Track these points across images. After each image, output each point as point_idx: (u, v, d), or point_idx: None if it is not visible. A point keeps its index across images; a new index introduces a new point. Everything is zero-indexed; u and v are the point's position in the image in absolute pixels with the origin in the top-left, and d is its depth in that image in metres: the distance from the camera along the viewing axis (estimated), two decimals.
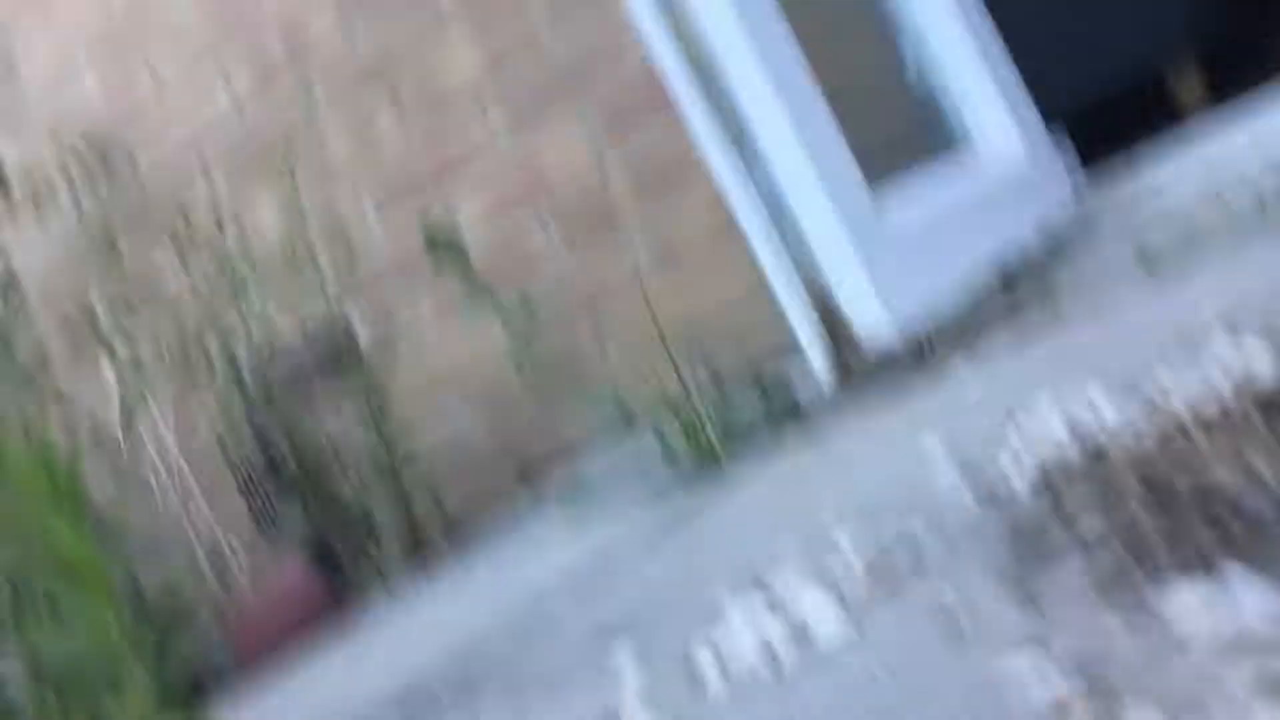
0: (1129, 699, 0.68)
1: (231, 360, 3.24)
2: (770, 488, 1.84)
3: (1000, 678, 0.78)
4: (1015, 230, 2.79)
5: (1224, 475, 0.83)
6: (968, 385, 1.83)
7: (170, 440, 3.15)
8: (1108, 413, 1.19)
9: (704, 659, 1.06)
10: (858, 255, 2.25)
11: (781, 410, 2.40)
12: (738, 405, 2.58)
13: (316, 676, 2.20)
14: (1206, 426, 0.97)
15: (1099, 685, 0.70)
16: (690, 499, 2.04)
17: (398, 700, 1.52)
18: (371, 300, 3.29)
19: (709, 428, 2.40)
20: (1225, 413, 0.98)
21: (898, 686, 0.87)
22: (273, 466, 3.15)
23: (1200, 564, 0.76)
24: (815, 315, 2.29)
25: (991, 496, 1.14)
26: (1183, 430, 0.99)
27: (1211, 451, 0.91)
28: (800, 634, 1.04)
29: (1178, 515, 0.84)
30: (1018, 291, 2.45)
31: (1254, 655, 0.66)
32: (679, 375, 2.47)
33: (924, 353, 2.34)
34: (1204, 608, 0.73)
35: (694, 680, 1.05)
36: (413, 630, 2.11)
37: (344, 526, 3.02)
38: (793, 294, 2.28)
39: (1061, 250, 2.71)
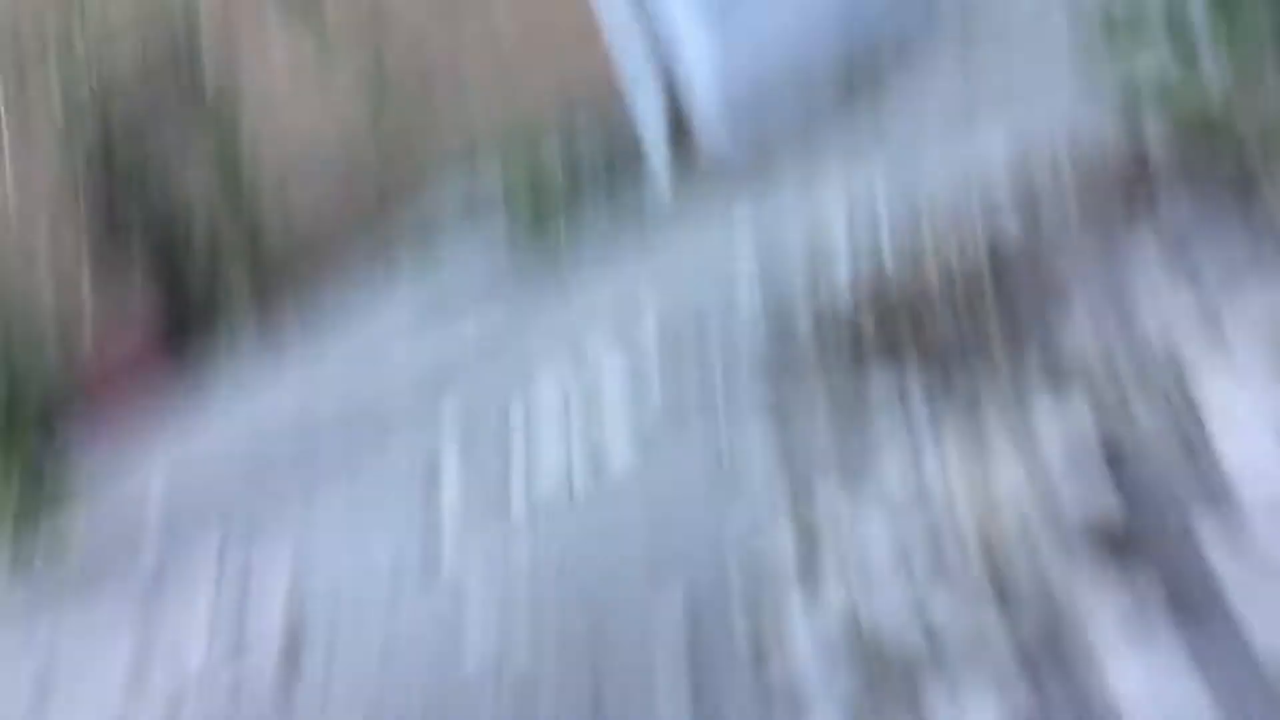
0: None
1: (73, 94, 3.03)
2: (598, 283, 2.07)
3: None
4: (863, 38, 2.85)
5: (942, 306, 1.02)
6: (788, 201, 2.06)
7: (10, 182, 3.05)
8: (884, 241, 1.43)
9: (517, 467, 1.27)
10: (709, 58, 2.38)
11: (622, 203, 2.52)
12: (582, 194, 2.77)
13: (165, 439, 2.27)
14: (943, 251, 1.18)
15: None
16: (527, 285, 2.26)
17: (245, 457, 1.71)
18: (218, 43, 3.16)
19: (554, 213, 2.54)
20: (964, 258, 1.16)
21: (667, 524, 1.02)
22: (116, 208, 2.97)
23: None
24: (663, 113, 2.45)
25: (779, 314, 1.39)
26: (922, 265, 1.18)
27: (942, 287, 1.08)
28: (596, 458, 1.21)
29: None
30: (855, 101, 2.63)
31: None
32: (528, 160, 2.60)
33: (760, 157, 2.47)
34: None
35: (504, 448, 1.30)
36: (258, 390, 2.22)
37: (187, 265, 2.90)
38: (643, 87, 2.44)
39: (904, 63, 2.86)
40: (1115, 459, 0.77)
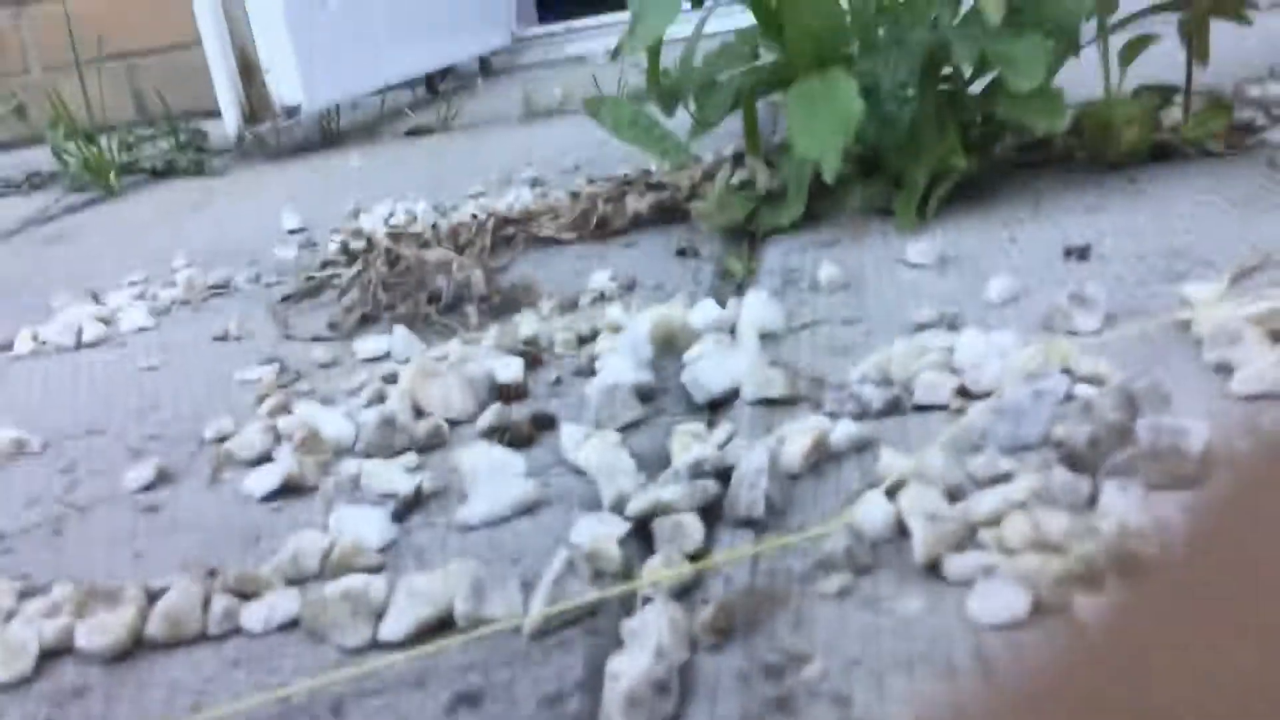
0: (304, 385, 1.12)
1: None
2: (145, 218, 2.27)
3: (240, 380, 1.16)
4: (449, 47, 3.43)
5: (436, 264, 1.29)
6: (347, 170, 2.39)
7: None
8: (419, 213, 1.72)
9: (26, 333, 1.42)
10: (290, 28, 2.56)
11: (185, 158, 2.74)
12: (144, 143, 3.00)
13: None
14: (457, 232, 1.49)
15: (285, 374, 1.15)
16: (71, 213, 2.41)
17: None
18: None
19: (110, 155, 2.67)
20: (475, 225, 1.51)
21: (166, 365, 1.26)
22: None
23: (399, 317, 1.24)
24: (237, 77, 2.59)
25: (306, 254, 1.64)
26: (439, 232, 1.49)
27: (445, 248, 1.39)
28: (107, 320, 1.44)
29: (400, 285, 1.30)
30: (435, 98, 3.21)
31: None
32: (87, 97, 2.66)
33: (329, 133, 2.81)
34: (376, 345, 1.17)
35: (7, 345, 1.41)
36: None
37: None
38: (221, 50, 2.57)
39: (486, 75, 3.68)
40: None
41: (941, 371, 0.85)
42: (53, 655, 0.69)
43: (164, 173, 2.74)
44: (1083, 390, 0.79)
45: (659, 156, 1.53)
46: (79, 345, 1.37)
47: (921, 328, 0.97)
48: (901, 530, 0.66)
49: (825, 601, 0.62)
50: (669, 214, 1.49)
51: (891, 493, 0.68)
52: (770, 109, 1.93)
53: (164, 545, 0.83)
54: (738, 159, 1.55)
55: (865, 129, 1.27)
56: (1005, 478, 0.69)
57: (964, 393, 0.82)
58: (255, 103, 2.63)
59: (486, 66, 3.89)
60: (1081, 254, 1.11)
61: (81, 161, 2.63)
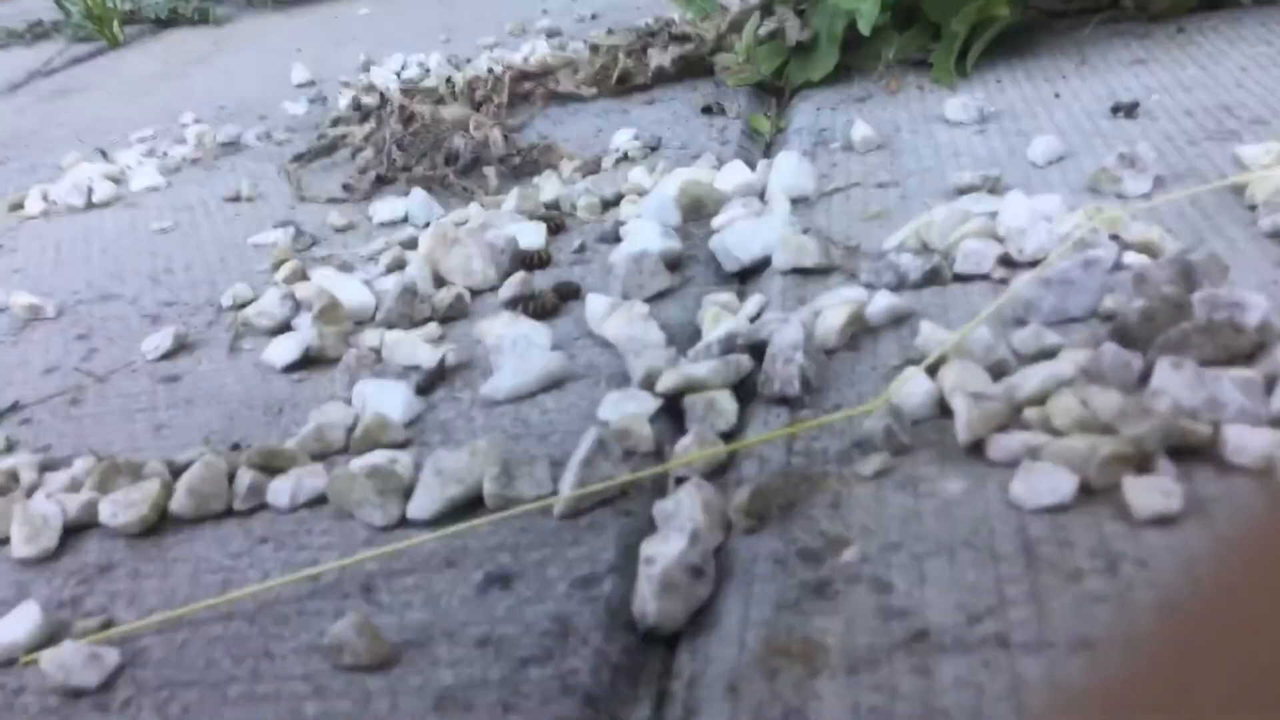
0: (320, 250, 1.09)
1: None
2: (150, 70, 2.21)
3: (254, 244, 1.12)
4: None
5: (453, 122, 1.27)
6: (355, 19, 2.33)
7: None
8: (432, 66, 1.69)
9: (35, 193, 1.39)
10: None
11: (189, 6, 2.70)
12: None
13: None
14: (472, 87, 1.43)
15: (301, 238, 1.12)
16: (75, 65, 2.40)
17: None
18: None
19: (112, 4, 2.63)
20: (491, 80, 1.45)
21: (178, 228, 1.22)
22: None
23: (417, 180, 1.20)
24: None
25: (316, 109, 1.60)
26: (454, 87, 1.43)
27: (461, 105, 1.35)
28: (117, 179, 1.41)
29: (416, 145, 1.26)
30: None
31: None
32: None
33: None
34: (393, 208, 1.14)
35: (18, 205, 1.37)
36: None
37: None
38: None
39: None
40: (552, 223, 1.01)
41: (984, 239, 0.81)
42: (77, 530, 0.69)
43: (168, 22, 2.66)
44: (1132, 259, 0.76)
45: (683, 4, 1.46)
46: (90, 205, 1.34)
47: (962, 191, 0.93)
48: (943, 409, 0.64)
49: (863, 483, 0.60)
50: (693, 68, 1.43)
51: (932, 369, 0.66)
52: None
53: (185, 417, 0.82)
54: (766, 8, 1.47)
55: None
56: (1051, 353, 0.66)
57: (1007, 262, 0.79)
58: None
59: None
60: (1129, 111, 1.05)
61: (84, 10, 2.55)
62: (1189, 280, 0.67)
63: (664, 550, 0.55)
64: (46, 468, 0.75)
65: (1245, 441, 0.56)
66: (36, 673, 0.57)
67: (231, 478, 0.70)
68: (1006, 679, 0.47)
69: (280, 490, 0.69)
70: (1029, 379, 0.62)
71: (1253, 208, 0.82)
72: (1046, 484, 0.56)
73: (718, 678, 0.50)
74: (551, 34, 1.81)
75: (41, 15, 2.94)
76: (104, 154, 1.53)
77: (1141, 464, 0.56)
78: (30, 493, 0.72)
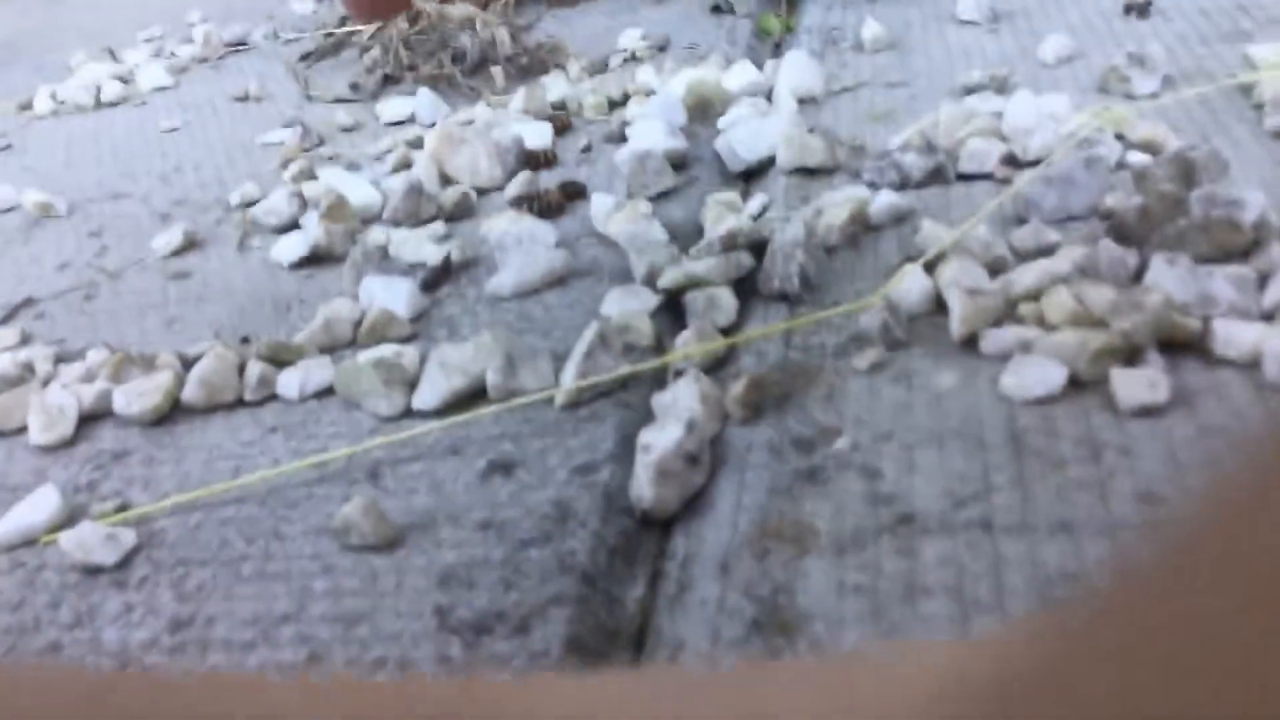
0: (327, 149, 1.08)
1: None
2: None
3: (262, 143, 1.12)
4: None
5: (460, 21, 1.23)
6: None
7: None
8: None
9: (44, 92, 1.37)
10: None
11: None
12: None
13: None
14: None
15: (308, 137, 1.10)
16: None
17: None
18: None
19: None
20: None
21: (187, 127, 1.21)
22: None
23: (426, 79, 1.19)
24: None
25: (323, 8, 1.56)
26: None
27: (468, 3, 1.28)
28: (125, 79, 1.39)
29: (423, 44, 1.23)
30: None
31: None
32: None
33: None
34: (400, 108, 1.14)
35: (26, 105, 1.37)
36: None
37: None
38: None
39: None
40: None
41: (988, 138, 0.81)
42: (91, 420, 0.71)
43: None
44: (1136, 158, 0.76)
45: None
46: (98, 105, 1.34)
47: (970, 91, 0.93)
48: (939, 305, 0.65)
49: (858, 376, 0.62)
50: None
51: (930, 266, 0.66)
52: None
53: (195, 312, 0.83)
54: None
55: None
56: (1049, 250, 0.67)
57: (1011, 161, 0.79)
58: None
59: None
60: (1141, 10, 1.04)
61: None
62: (1189, 178, 0.67)
63: (661, 439, 0.57)
64: (61, 360, 0.77)
65: (1234, 335, 0.57)
66: (56, 551, 0.59)
67: (241, 370, 0.71)
68: (988, 559, 0.48)
69: (289, 382, 0.70)
70: (1024, 275, 0.63)
71: (1259, 107, 0.81)
72: (1036, 376, 0.57)
73: (710, 558, 0.52)
74: None
75: None
76: (112, 54, 1.52)
77: (1130, 357, 0.57)
78: (46, 383, 0.74)
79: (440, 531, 0.57)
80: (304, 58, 1.34)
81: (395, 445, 0.64)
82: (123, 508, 0.63)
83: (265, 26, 1.52)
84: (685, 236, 0.80)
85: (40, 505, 0.62)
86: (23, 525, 0.61)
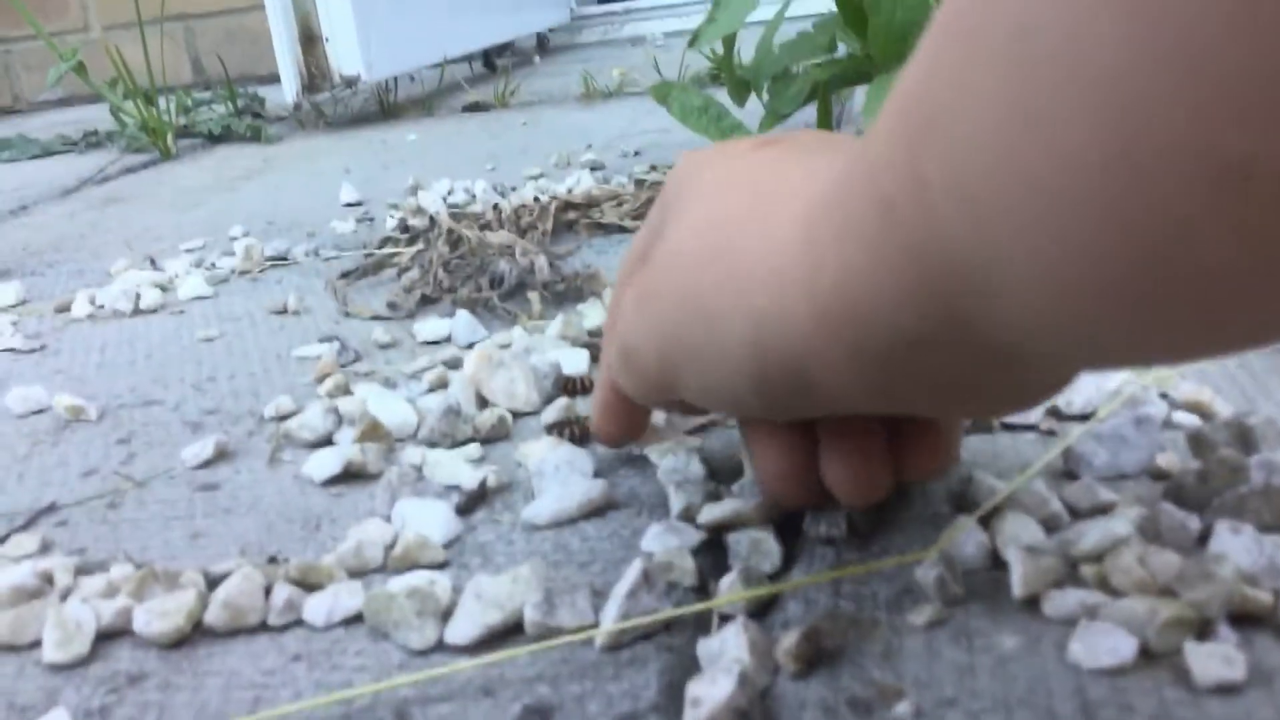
0: (363, 366, 1.10)
1: None
2: (202, 183, 2.25)
3: (298, 357, 1.14)
4: (509, 22, 3.51)
5: (498, 247, 1.28)
6: (403, 144, 2.37)
7: None
8: (478, 192, 1.71)
9: (83, 296, 1.41)
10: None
11: (242, 124, 2.75)
12: (201, 106, 3.08)
13: None
14: (519, 214, 1.44)
15: (345, 353, 1.12)
16: (128, 174, 2.44)
17: None
18: None
19: (167, 117, 2.68)
20: (537, 209, 1.47)
21: (224, 337, 1.24)
22: None
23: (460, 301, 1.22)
24: (298, 44, 2.63)
25: (364, 229, 1.65)
26: (501, 213, 1.44)
27: (507, 230, 1.36)
28: (165, 286, 1.45)
29: (462, 267, 1.28)
30: (493, 74, 3.25)
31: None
32: (147, 57, 2.62)
33: (386, 105, 2.85)
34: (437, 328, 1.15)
35: (65, 308, 1.40)
36: None
37: None
38: (282, 17, 2.59)
39: (543, 53, 3.85)
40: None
41: None
42: (109, 637, 0.68)
43: (220, 137, 2.74)
44: (1181, 418, 0.76)
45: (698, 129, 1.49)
46: (136, 311, 1.36)
47: None
48: (995, 560, 0.63)
49: (914, 633, 0.59)
50: None
51: (984, 520, 0.65)
52: (840, 103, 1.89)
53: (222, 526, 0.81)
54: None
55: None
56: (1105, 509, 0.66)
57: (1055, 414, 0.79)
58: (314, 71, 2.62)
59: (544, 44, 3.88)
60: None
61: (139, 122, 2.63)
62: (1246, 443, 0.67)
63: (712, 692, 0.54)
64: (81, 571, 0.75)
65: None
66: None
67: (268, 591, 0.69)
68: None
69: (317, 607, 0.68)
70: (1085, 536, 0.62)
71: None
72: (1106, 645, 0.55)
73: None
74: (595, 167, 1.85)
75: (97, 125, 3.04)
76: (153, 262, 1.56)
77: (1202, 629, 0.55)
78: (64, 596, 0.71)
79: None
80: (344, 275, 1.37)
81: (425, 682, 0.60)
82: None
83: (307, 244, 1.57)
84: (726, 472, 0.79)
85: None
86: None
